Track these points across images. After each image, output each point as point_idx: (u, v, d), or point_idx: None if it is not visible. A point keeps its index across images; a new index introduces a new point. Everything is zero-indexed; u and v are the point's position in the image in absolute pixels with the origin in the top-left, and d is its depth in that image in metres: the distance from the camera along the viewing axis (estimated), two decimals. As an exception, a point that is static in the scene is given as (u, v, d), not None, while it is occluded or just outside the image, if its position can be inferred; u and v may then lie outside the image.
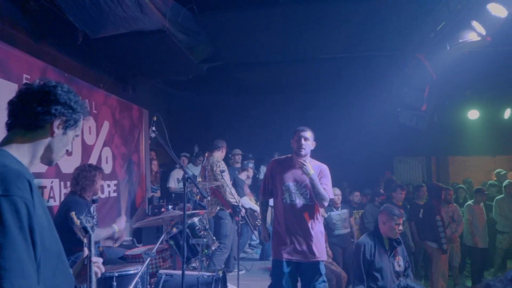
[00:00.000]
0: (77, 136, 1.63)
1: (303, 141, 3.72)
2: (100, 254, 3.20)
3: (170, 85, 9.23)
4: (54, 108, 1.48)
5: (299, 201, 3.70)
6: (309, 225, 3.68)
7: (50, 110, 1.47)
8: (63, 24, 4.81)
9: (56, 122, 1.49)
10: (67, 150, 1.61)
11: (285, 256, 3.66)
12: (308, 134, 3.77)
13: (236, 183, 6.48)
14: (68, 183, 4.56)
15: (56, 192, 4.36)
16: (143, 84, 7.94)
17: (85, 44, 5.14)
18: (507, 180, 7.61)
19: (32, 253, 1.27)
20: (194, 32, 6.03)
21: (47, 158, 1.54)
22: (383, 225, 4.06)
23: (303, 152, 3.71)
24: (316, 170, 3.70)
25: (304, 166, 3.58)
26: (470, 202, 7.17)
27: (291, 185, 3.74)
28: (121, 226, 4.02)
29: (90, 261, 1.70)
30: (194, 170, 8.02)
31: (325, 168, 3.83)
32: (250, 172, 7.07)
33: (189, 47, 6.31)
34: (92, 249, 1.72)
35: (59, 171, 4.44)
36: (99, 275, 1.75)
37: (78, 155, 4.90)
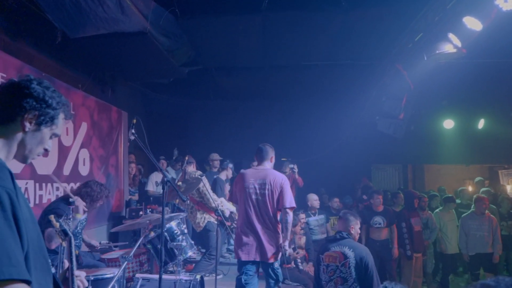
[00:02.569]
0: (55, 135, 1.56)
1: None
2: (76, 257, 3.13)
3: (149, 88, 9.15)
4: (25, 101, 1.43)
5: None
6: None
7: (21, 103, 1.43)
8: (42, 23, 4.73)
9: (28, 116, 1.44)
10: (45, 150, 1.54)
11: None
12: None
13: (217, 183, 6.45)
14: (44, 185, 4.47)
15: (31, 193, 4.25)
16: (122, 86, 7.85)
17: (63, 44, 5.06)
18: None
19: (19, 241, 1.23)
20: (176, 35, 6.01)
21: (21, 155, 1.48)
22: (355, 231, 4.05)
23: None
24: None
25: None
26: (438, 210, 7.34)
27: None
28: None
29: (72, 274, 1.64)
30: (173, 174, 7.95)
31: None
32: (229, 172, 7.01)
33: (170, 50, 6.29)
34: (73, 250, 1.67)
35: (35, 173, 4.33)
36: None
37: (55, 156, 4.79)
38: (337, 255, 3.79)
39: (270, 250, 4.01)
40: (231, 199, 4.58)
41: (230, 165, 7.04)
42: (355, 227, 4.01)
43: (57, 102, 1.51)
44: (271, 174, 4.16)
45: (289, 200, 4.06)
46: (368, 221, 6.34)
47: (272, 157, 4.34)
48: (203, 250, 5.99)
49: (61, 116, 1.55)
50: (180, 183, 5.57)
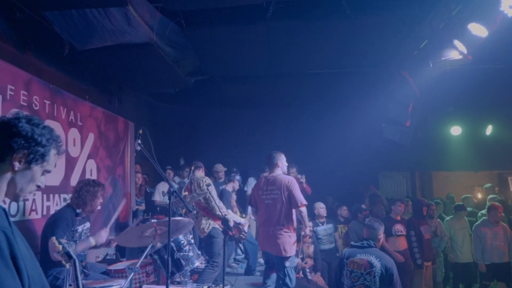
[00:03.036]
0: (47, 172, 1.53)
1: None
2: (83, 268, 3.13)
3: (156, 98, 9.20)
4: (14, 140, 1.41)
5: None
6: None
7: (10, 143, 1.41)
8: (50, 35, 4.79)
9: (17, 156, 1.42)
10: (38, 186, 1.53)
11: None
12: None
13: (223, 195, 6.43)
14: (51, 196, 4.49)
15: (38, 205, 4.26)
16: (129, 96, 7.90)
17: (71, 56, 5.11)
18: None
19: (18, 280, 1.22)
20: (181, 46, 6.06)
21: (12, 194, 1.45)
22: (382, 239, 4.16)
23: None
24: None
25: None
26: (448, 218, 7.22)
27: None
28: (101, 239, 3.80)
29: None
30: (181, 182, 7.94)
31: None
32: (236, 184, 6.99)
33: (176, 61, 6.33)
34: (78, 274, 1.64)
35: (42, 184, 4.35)
36: None
37: (62, 167, 4.81)
38: (363, 262, 3.85)
39: (279, 246, 4.53)
40: (249, 203, 5.33)
41: (237, 177, 7.04)
42: (382, 235, 4.12)
43: (47, 139, 1.49)
44: (278, 180, 4.73)
45: (299, 199, 4.58)
46: (389, 230, 6.10)
47: (278, 162, 4.86)
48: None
49: (53, 152, 1.53)
50: (186, 193, 5.56)
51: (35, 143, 1.45)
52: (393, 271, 3.77)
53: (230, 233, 4.93)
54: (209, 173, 7.86)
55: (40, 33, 4.80)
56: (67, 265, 1.65)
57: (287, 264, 4.55)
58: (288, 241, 4.55)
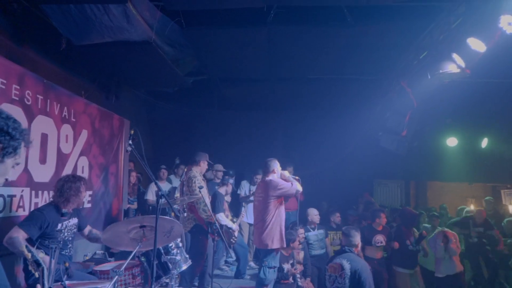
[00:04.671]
0: (17, 164, 1.54)
1: None
2: (66, 269, 3.08)
3: (154, 96, 9.16)
4: None
5: None
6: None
7: None
8: (47, 29, 4.76)
9: None
10: (6, 179, 1.52)
11: None
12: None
13: (216, 197, 6.38)
14: (40, 192, 4.45)
15: (26, 201, 4.20)
16: (126, 94, 7.85)
17: (68, 51, 5.08)
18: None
19: None
20: (181, 45, 6.03)
21: None
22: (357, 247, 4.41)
23: None
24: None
25: None
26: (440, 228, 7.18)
27: None
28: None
29: None
30: (176, 182, 7.90)
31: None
32: (229, 188, 6.97)
33: (175, 60, 6.29)
34: (46, 283, 1.61)
35: (31, 180, 4.30)
36: None
37: (53, 163, 4.76)
38: (337, 266, 4.16)
39: (262, 240, 4.85)
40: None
41: (231, 181, 7.02)
42: (359, 241, 4.43)
43: (19, 133, 1.49)
44: (263, 184, 5.08)
45: (284, 185, 4.91)
46: (370, 240, 6.20)
47: (274, 169, 5.05)
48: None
49: (22, 145, 1.53)
50: (178, 195, 5.50)
51: (10, 137, 1.45)
52: (361, 273, 3.98)
53: (212, 236, 4.92)
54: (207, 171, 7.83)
55: (37, 27, 4.77)
56: (36, 274, 1.62)
57: (265, 262, 4.85)
58: (269, 236, 4.83)
